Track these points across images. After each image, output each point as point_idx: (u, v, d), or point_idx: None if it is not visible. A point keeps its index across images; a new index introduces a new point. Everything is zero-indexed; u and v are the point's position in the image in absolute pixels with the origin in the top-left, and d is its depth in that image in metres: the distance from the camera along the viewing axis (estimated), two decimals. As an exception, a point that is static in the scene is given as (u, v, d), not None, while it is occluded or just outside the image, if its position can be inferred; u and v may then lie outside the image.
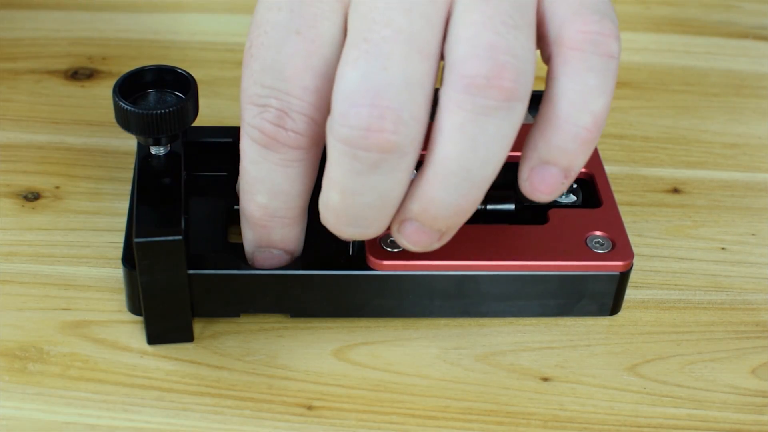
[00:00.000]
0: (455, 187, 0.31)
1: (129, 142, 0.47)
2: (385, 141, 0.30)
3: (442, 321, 0.40)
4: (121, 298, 0.40)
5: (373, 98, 0.30)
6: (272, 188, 0.35)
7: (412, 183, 0.32)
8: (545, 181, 0.32)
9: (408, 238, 0.34)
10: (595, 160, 0.43)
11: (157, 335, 0.38)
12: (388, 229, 0.39)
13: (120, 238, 0.42)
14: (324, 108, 0.33)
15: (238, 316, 0.40)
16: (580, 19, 0.31)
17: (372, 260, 0.38)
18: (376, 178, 0.31)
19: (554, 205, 0.41)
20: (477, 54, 0.30)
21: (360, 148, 0.30)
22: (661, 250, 0.44)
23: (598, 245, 0.39)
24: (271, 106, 0.33)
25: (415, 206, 0.33)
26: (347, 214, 0.32)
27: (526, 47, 0.30)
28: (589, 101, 0.31)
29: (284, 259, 0.38)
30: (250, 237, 0.37)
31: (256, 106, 0.34)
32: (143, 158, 0.39)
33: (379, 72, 0.30)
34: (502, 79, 0.30)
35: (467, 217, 0.33)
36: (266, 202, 0.35)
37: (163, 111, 0.37)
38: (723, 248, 0.44)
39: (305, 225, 0.37)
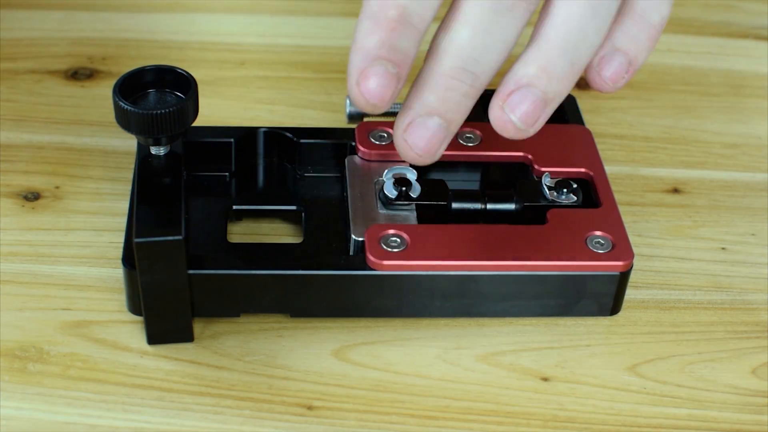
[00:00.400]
0: (574, 46, 0.35)
1: (129, 142, 0.47)
2: None
3: (442, 321, 0.40)
4: (121, 298, 0.40)
5: None
6: None
7: (526, 50, 0.35)
8: (612, 68, 0.37)
9: (518, 109, 0.35)
10: (595, 160, 0.43)
11: (157, 335, 0.38)
12: (389, 226, 0.39)
13: (120, 238, 0.42)
14: None
15: (238, 316, 0.40)
16: None
17: (372, 260, 0.38)
18: (506, 21, 0.34)
19: (554, 205, 0.41)
20: None
21: None
22: (661, 250, 0.44)
23: (598, 245, 0.39)
24: None
25: (531, 69, 0.35)
26: (470, 50, 0.34)
27: None
28: (660, 6, 0.38)
29: (392, 82, 0.34)
30: (371, 44, 0.34)
31: None
32: (143, 158, 0.39)
33: None
34: None
35: (573, 83, 0.36)
36: (407, 1, 0.34)
37: (163, 111, 0.37)
38: (723, 248, 0.44)
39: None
